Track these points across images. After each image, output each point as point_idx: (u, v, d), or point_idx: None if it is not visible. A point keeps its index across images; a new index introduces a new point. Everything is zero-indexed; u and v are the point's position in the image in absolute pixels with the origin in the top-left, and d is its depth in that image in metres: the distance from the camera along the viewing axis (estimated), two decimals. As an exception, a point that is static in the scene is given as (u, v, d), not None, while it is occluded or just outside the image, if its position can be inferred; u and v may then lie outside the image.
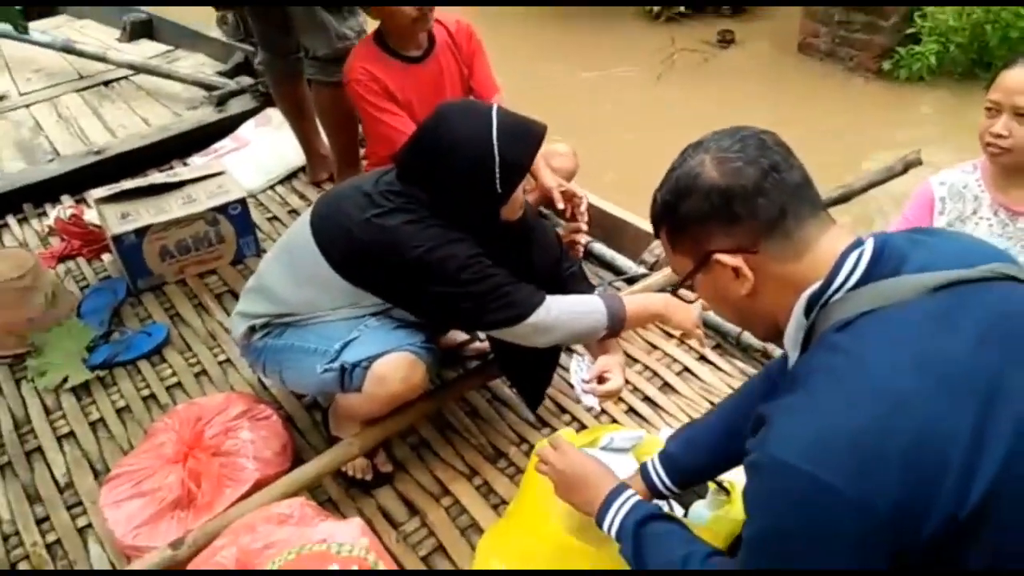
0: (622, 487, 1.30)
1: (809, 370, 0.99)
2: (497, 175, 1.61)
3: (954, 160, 2.10)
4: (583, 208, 2.50)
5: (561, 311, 1.69)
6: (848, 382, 0.94)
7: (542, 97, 4.40)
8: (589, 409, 2.05)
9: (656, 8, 5.44)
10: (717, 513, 1.51)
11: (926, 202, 1.94)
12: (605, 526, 1.28)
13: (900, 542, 0.90)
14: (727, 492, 1.53)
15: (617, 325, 1.74)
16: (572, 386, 1.90)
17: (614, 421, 2.05)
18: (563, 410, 2.10)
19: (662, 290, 2.35)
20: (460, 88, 2.47)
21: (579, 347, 1.91)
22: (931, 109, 4.37)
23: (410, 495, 1.89)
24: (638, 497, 1.28)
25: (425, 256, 1.61)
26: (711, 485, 1.55)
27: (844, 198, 2.70)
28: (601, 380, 1.77)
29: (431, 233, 1.63)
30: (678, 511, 1.57)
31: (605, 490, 1.30)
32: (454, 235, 1.65)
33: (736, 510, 1.49)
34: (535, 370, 1.96)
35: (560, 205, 2.46)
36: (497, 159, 1.59)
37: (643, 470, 1.47)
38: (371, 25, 2.60)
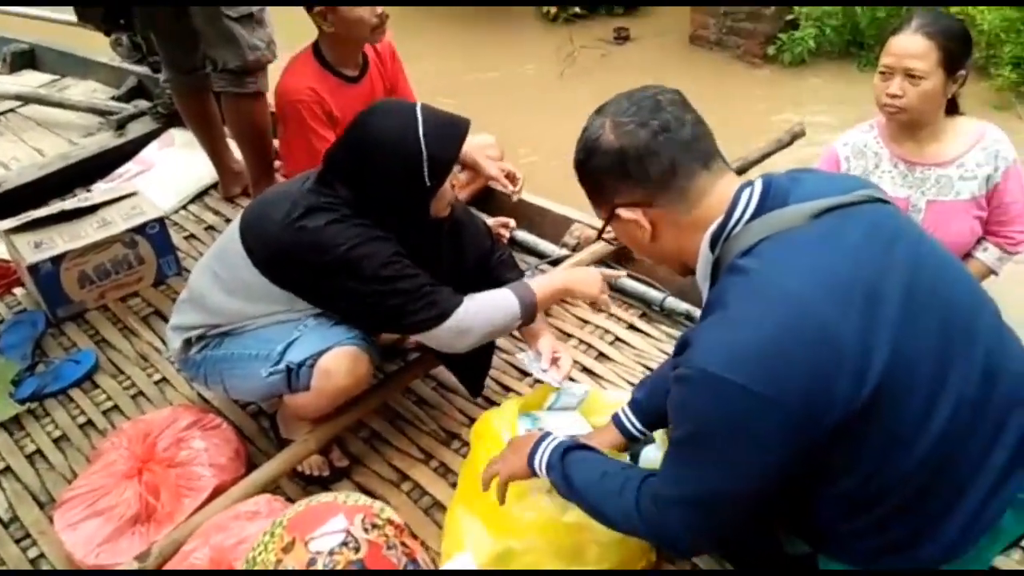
0: (544, 435, 1.42)
1: (720, 293, 1.14)
2: (425, 168, 1.65)
3: (838, 128, 2.30)
4: (520, 185, 2.64)
5: (479, 309, 1.74)
6: (753, 297, 1.10)
7: (450, 98, 4.49)
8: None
9: (553, 10, 5.62)
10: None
11: (833, 163, 2.13)
12: (535, 466, 1.39)
13: (809, 431, 1.06)
14: None
15: (530, 312, 1.80)
16: (524, 372, 1.96)
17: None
18: (507, 389, 2.17)
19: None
20: None
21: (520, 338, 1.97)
22: (814, 87, 4.69)
23: (370, 485, 1.92)
24: (559, 439, 1.41)
25: (347, 254, 1.64)
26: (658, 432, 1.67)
27: (741, 170, 2.88)
28: (554, 362, 1.86)
29: (354, 232, 1.67)
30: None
31: (531, 442, 1.42)
32: (377, 233, 1.69)
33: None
34: (474, 357, 2.02)
35: (509, 188, 2.59)
36: (424, 153, 1.64)
37: (615, 419, 1.61)
38: (278, 35, 2.64)
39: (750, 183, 1.16)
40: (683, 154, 1.15)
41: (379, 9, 2.29)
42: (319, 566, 0.84)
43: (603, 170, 1.19)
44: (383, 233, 1.70)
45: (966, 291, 1.19)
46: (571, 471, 1.35)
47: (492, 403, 2.12)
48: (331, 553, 0.85)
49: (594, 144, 1.18)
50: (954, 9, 4.25)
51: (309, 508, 0.93)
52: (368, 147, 1.68)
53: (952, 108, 2.02)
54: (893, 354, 1.05)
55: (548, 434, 1.43)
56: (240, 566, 1.46)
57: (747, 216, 1.14)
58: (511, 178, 2.62)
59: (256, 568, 0.87)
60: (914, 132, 2.02)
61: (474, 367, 2.04)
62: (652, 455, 1.66)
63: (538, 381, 1.91)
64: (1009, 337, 1.21)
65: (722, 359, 1.06)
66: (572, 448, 1.38)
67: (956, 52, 1.88)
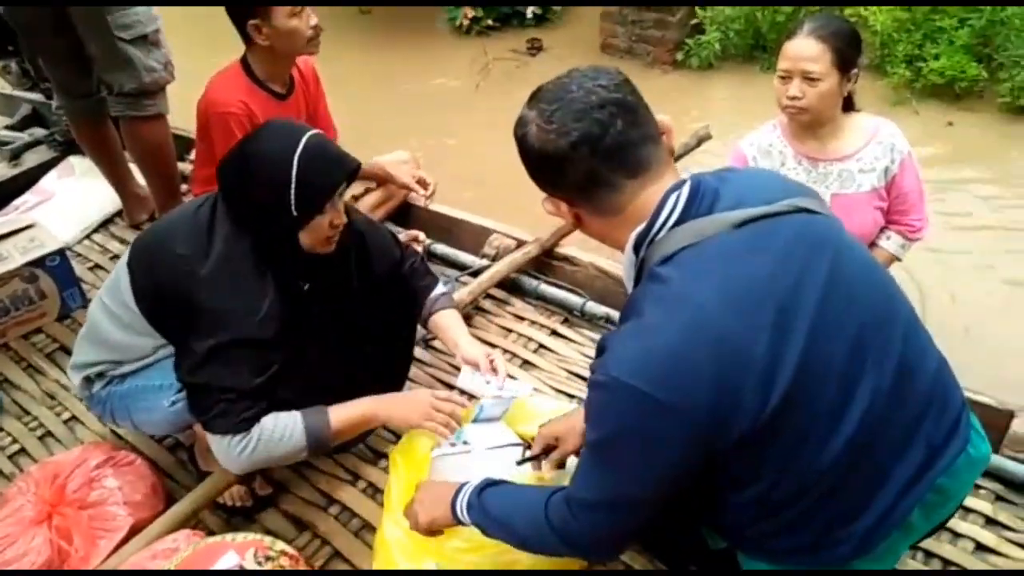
0: (463, 484, 1.43)
1: (638, 299, 1.16)
2: (292, 195, 1.54)
3: (745, 128, 2.38)
4: (432, 191, 2.68)
5: (261, 440, 1.58)
6: (666, 306, 1.11)
7: (365, 113, 4.46)
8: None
9: (466, 21, 5.65)
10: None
11: (741, 162, 2.20)
12: (458, 512, 1.40)
13: (713, 441, 1.09)
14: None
15: (321, 444, 1.65)
16: (473, 396, 1.89)
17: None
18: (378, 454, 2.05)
19: (504, 279, 2.50)
20: None
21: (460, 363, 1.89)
22: (721, 89, 4.84)
23: (296, 511, 1.88)
24: (475, 483, 1.42)
25: (203, 308, 1.56)
26: None
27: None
28: (493, 365, 1.83)
29: (227, 296, 1.57)
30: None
31: (451, 491, 1.43)
32: (254, 307, 1.58)
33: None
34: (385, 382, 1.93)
35: (422, 193, 2.65)
36: (294, 179, 1.54)
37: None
38: (174, 56, 2.57)
39: (679, 186, 1.14)
40: (604, 164, 1.12)
41: (312, 20, 2.25)
42: None
43: (527, 162, 1.20)
44: (265, 300, 1.59)
45: (882, 298, 1.19)
46: (488, 505, 1.36)
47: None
48: None
49: (520, 138, 1.18)
50: (848, 11, 4.47)
51: (197, 551, 0.91)
52: (246, 160, 1.59)
53: (848, 105, 2.12)
54: (801, 367, 1.07)
55: (466, 482, 1.43)
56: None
57: (671, 222, 1.13)
58: (422, 184, 2.65)
59: None
60: (815, 130, 2.11)
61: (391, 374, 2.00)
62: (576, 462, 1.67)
63: (473, 397, 1.88)
64: (925, 339, 1.24)
65: (631, 366, 1.08)
66: (488, 485, 1.40)
67: (848, 53, 1.97)
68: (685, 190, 1.14)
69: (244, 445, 1.57)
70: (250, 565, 0.84)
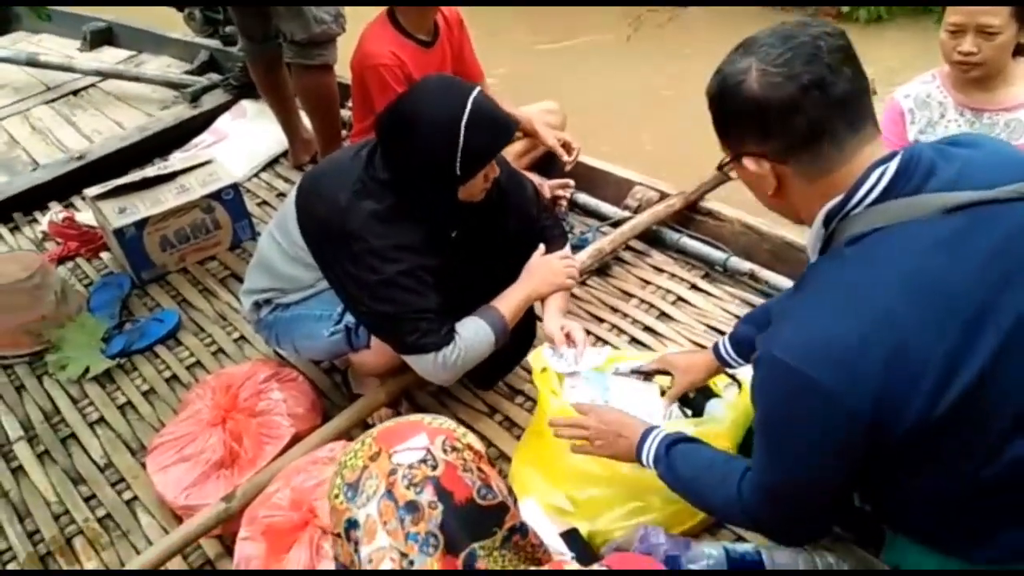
0: (651, 427, 1.46)
1: (816, 276, 1.11)
2: (458, 160, 1.62)
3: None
4: (575, 155, 2.66)
5: (466, 347, 1.72)
6: (844, 294, 1.04)
7: (515, 63, 4.52)
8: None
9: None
10: (732, 409, 1.64)
11: (896, 116, 2.09)
12: (643, 459, 1.44)
13: (877, 435, 1.04)
14: (738, 384, 1.68)
15: (504, 335, 1.79)
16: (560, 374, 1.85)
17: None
18: (515, 390, 2.12)
19: (645, 231, 2.49)
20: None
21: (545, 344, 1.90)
22: (888, 46, 4.56)
23: (437, 437, 1.99)
24: (665, 431, 1.44)
25: (371, 247, 1.65)
26: (723, 380, 1.71)
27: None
28: (570, 339, 1.85)
29: (389, 230, 1.66)
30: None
31: (638, 432, 1.45)
32: (412, 242, 1.68)
33: (746, 403, 1.63)
34: (502, 359, 1.97)
35: (565, 157, 2.61)
36: (461, 145, 1.61)
37: (714, 346, 1.67)
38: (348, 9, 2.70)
39: (887, 159, 1.05)
40: (832, 114, 1.03)
41: None
42: (398, 477, 0.89)
43: (737, 116, 1.08)
44: (420, 243, 1.69)
45: None
46: (677, 463, 1.38)
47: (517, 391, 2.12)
48: (410, 467, 0.90)
49: (733, 88, 1.06)
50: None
51: (397, 424, 0.98)
52: (409, 120, 1.65)
53: (1018, 50, 1.96)
54: (977, 384, 1.00)
55: (653, 428, 1.46)
56: (320, 505, 1.55)
57: (871, 198, 1.04)
58: (567, 147, 2.64)
59: (345, 471, 0.94)
60: (983, 81, 1.96)
61: (495, 367, 2.00)
62: (714, 409, 1.68)
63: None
64: None
65: (798, 349, 1.03)
66: (677, 441, 1.41)
67: None
68: (893, 164, 1.04)
69: (456, 355, 1.71)
70: (436, 451, 0.91)
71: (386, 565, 0.87)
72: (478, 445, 0.97)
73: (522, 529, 0.95)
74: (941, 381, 0.99)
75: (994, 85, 1.97)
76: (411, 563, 0.87)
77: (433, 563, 0.87)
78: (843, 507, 1.28)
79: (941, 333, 0.99)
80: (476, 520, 0.91)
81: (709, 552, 1.51)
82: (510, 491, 0.98)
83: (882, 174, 1.04)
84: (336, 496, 0.94)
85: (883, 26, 4.63)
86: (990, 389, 1.01)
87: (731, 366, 1.66)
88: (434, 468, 0.90)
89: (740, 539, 1.68)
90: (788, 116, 1.03)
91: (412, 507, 0.88)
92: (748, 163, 1.10)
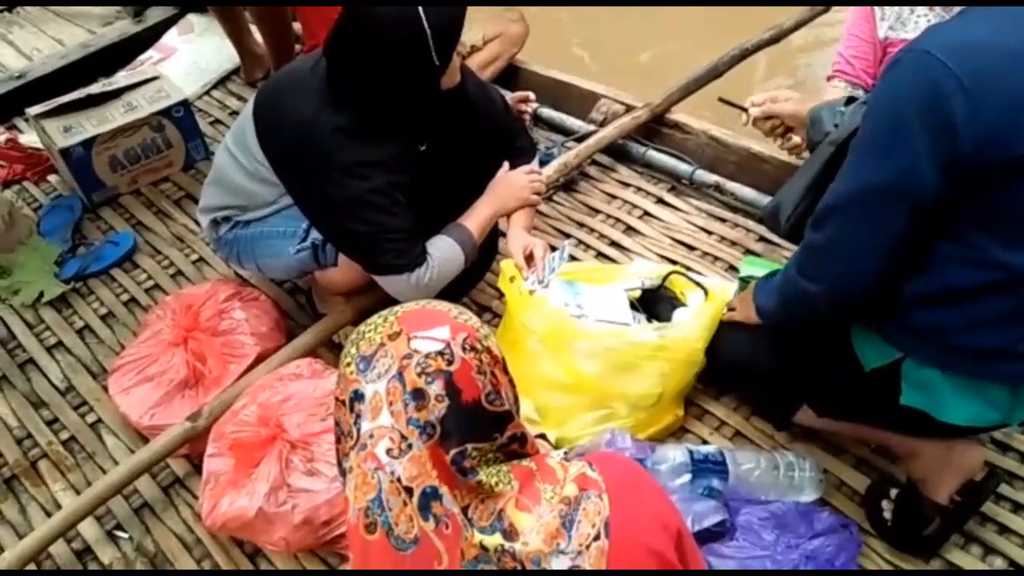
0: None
1: (972, 9, 1.15)
2: (432, 46, 1.55)
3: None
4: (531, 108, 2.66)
5: (439, 267, 1.71)
6: (1002, 18, 1.11)
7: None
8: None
9: None
10: (698, 315, 1.66)
11: (867, 11, 2.04)
12: (760, 310, 1.50)
13: (984, 149, 1.08)
14: (704, 291, 1.73)
15: (473, 252, 1.79)
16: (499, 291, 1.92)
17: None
18: (483, 307, 2.13)
19: (611, 145, 2.46)
20: None
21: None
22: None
23: (405, 353, 1.99)
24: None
25: (342, 164, 1.60)
26: (689, 289, 1.75)
27: (775, 39, 2.78)
28: (531, 259, 1.85)
29: (357, 146, 1.61)
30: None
31: (749, 295, 1.56)
32: (382, 158, 1.63)
33: (712, 310, 1.65)
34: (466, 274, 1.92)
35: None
36: (428, 31, 1.54)
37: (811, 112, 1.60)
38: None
39: None
40: None
41: None
42: (412, 362, 0.89)
43: None
44: (390, 159, 1.64)
45: None
46: (766, 300, 1.46)
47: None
48: (427, 356, 0.90)
49: None
50: None
51: (424, 309, 0.96)
52: (366, 31, 1.56)
53: None
54: None
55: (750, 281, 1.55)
56: (287, 420, 1.55)
57: None
58: (523, 100, 2.64)
59: (362, 343, 0.94)
60: None
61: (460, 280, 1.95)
62: (681, 317, 1.70)
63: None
64: None
65: (941, 45, 1.09)
66: (760, 283, 1.52)
67: None
68: None
69: (429, 273, 1.69)
70: (456, 347, 0.91)
71: (385, 444, 0.88)
72: (497, 350, 0.96)
73: (522, 438, 0.96)
74: None
75: None
76: (409, 446, 0.88)
77: (424, 450, 0.88)
78: (890, 279, 1.25)
79: None
80: (477, 422, 0.91)
81: (674, 455, 1.55)
82: (517, 400, 0.98)
83: None
84: (348, 365, 0.94)
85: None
86: None
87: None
88: (450, 363, 0.90)
89: (704, 442, 1.72)
90: None
91: (419, 394, 0.88)
92: None
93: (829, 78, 2.06)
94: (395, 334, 0.92)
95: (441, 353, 0.90)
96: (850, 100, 1.50)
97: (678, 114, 2.52)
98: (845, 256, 1.22)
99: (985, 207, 1.14)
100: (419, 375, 0.88)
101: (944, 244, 1.19)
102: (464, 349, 0.91)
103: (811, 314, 1.33)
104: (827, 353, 1.41)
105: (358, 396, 0.91)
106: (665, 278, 1.84)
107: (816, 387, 1.52)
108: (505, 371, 0.98)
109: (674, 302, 1.79)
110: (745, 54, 2.55)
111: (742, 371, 1.68)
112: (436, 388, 0.88)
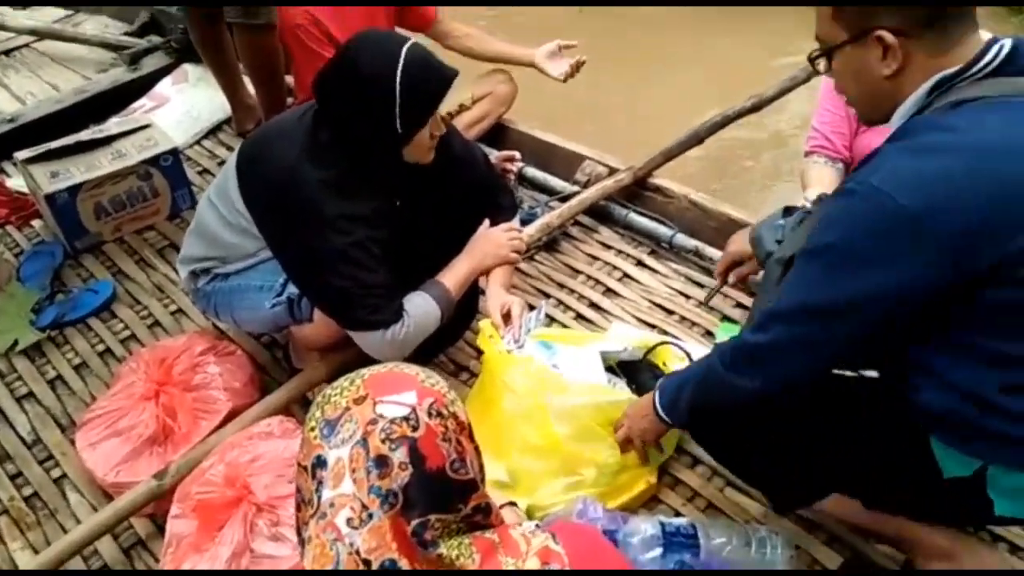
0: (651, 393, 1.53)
1: (914, 125, 1.15)
2: (397, 114, 1.57)
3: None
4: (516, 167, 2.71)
5: (415, 324, 1.71)
6: (945, 134, 1.09)
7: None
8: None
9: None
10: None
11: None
12: (663, 416, 1.49)
13: (959, 264, 1.07)
14: (688, 357, 1.77)
15: (449, 310, 1.79)
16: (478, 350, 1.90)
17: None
18: (460, 366, 2.10)
19: (594, 206, 2.49)
20: (392, 25, 2.52)
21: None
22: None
23: (379, 412, 1.97)
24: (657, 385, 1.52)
25: (321, 217, 1.60)
26: (671, 359, 1.76)
27: (756, 107, 2.84)
28: (508, 317, 1.85)
29: (338, 201, 1.62)
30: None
31: (648, 403, 1.52)
32: (363, 211, 1.64)
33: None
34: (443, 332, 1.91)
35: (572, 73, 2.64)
36: (398, 98, 1.56)
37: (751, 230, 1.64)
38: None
39: (1000, 39, 1.14)
40: None
41: None
42: (377, 428, 0.88)
43: None
44: (370, 213, 1.65)
45: None
46: (680, 394, 1.43)
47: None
48: (392, 421, 0.89)
49: None
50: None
51: (392, 372, 0.96)
52: (345, 78, 1.60)
53: None
54: None
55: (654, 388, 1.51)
56: (254, 481, 1.53)
57: (983, 73, 1.13)
58: (576, 66, 2.65)
59: (327, 406, 0.93)
60: None
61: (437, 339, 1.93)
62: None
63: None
64: None
65: (897, 180, 1.07)
66: (664, 381, 1.50)
67: None
68: (1008, 42, 1.13)
69: (404, 330, 1.69)
70: (422, 413, 0.90)
71: (345, 513, 0.87)
72: (464, 416, 0.96)
73: (486, 509, 0.95)
74: None
75: None
76: (370, 516, 0.87)
77: (385, 520, 0.87)
78: (828, 372, 1.28)
79: None
80: (441, 491, 0.90)
81: (645, 527, 1.53)
82: (482, 469, 0.98)
83: (1000, 49, 1.12)
84: (312, 429, 0.93)
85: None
86: None
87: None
88: (415, 429, 0.89)
89: (677, 514, 1.70)
90: None
91: (382, 461, 0.87)
92: (887, 36, 1.12)
93: (807, 153, 2.10)
94: (361, 398, 0.91)
95: (406, 419, 0.89)
96: (787, 211, 1.53)
97: (660, 178, 2.55)
98: (785, 361, 1.23)
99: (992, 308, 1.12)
100: (383, 441, 0.88)
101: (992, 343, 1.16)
102: (430, 415, 0.91)
103: (736, 406, 1.34)
104: (899, 457, 1.32)
105: (320, 462, 0.90)
106: (650, 351, 1.85)
107: (874, 483, 1.43)
108: (471, 438, 0.97)
109: (655, 371, 1.80)
110: (726, 121, 2.59)
111: (758, 454, 1.52)
112: (400, 455, 0.88)
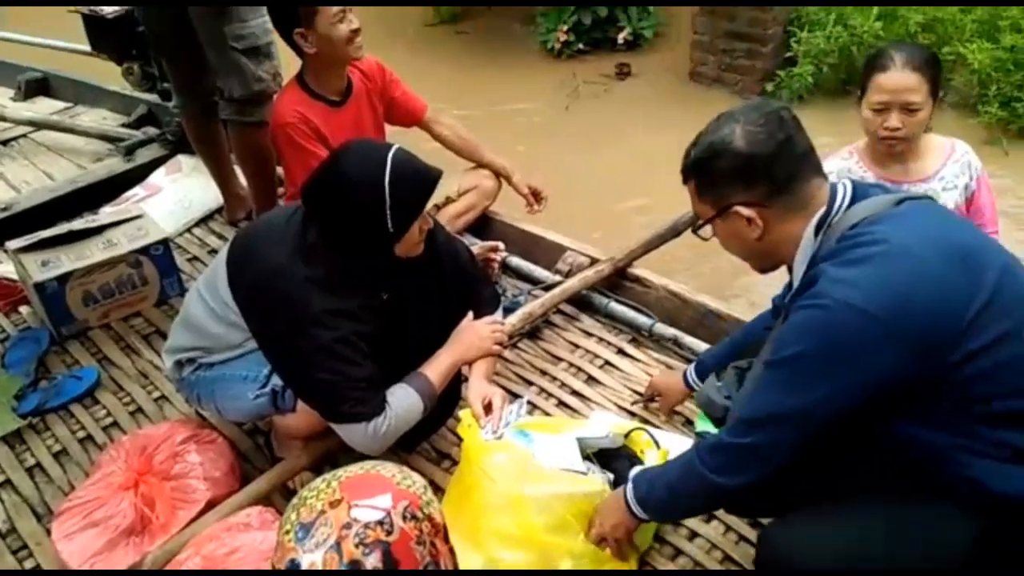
0: (621, 486, 1.58)
1: (837, 251, 1.27)
2: (388, 215, 1.66)
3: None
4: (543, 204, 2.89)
5: (396, 416, 1.74)
6: (877, 247, 1.23)
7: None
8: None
9: (558, 45, 5.75)
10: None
11: None
12: (635, 513, 1.52)
13: (927, 362, 1.19)
14: (657, 445, 1.80)
15: (432, 402, 1.83)
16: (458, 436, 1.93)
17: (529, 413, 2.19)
18: (442, 454, 2.11)
19: (575, 295, 2.54)
20: (377, 132, 2.62)
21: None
22: (810, 123, 4.75)
23: (360, 502, 1.96)
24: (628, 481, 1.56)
25: (308, 314, 1.65)
26: (647, 447, 1.80)
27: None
28: (489, 409, 1.87)
29: (325, 297, 1.67)
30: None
31: (619, 499, 1.55)
32: (349, 308, 1.70)
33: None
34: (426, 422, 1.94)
35: (535, 207, 2.89)
36: (388, 201, 1.64)
37: (683, 374, 1.98)
38: (286, 69, 2.72)
39: (837, 183, 1.36)
40: (800, 163, 1.32)
41: (354, 24, 2.34)
42: (351, 532, 0.89)
43: (728, 171, 1.31)
44: (356, 309, 1.71)
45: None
46: (651, 491, 1.48)
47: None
48: (366, 526, 0.90)
49: (723, 147, 1.31)
50: (945, 49, 4.36)
51: (367, 475, 0.97)
52: (335, 187, 1.68)
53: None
54: (989, 302, 1.20)
55: (623, 484, 1.56)
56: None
57: (845, 204, 1.31)
58: (536, 195, 2.85)
59: (303, 509, 0.94)
60: (902, 154, 2.08)
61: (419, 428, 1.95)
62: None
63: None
64: None
65: (857, 293, 1.19)
66: (637, 476, 1.54)
67: (938, 79, 1.97)
68: (848, 184, 1.35)
69: (387, 424, 1.71)
70: (396, 517, 0.91)
71: None
72: (439, 517, 0.97)
73: None
74: (965, 307, 1.19)
75: (908, 158, 2.10)
76: None
77: None
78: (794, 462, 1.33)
79: (957, 272, 1.21)
80: None
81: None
82: (456, 570, 0.98)
83: (844, 187, 1.34)
84: (287, 532, 0.94)
85: (802, 106, 4.86)
86: (996, 309, 1.21)
87: (694, 390, 1.94)
88: (389, 534, 0.90)
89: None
90: (770, 165, 1.30)
91: (355, 566, 0.88)
92: (742, 210, 1.31)
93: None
94: (336, 501, 0.93)
95: (381, 523, 0.91)
96: (718, 372, 1.76)
97: (639, 268, 2.62)
98: (768, 461, 1.32)
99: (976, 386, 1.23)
100: (356, 546, 0.89)
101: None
102: (404, 518, 0.92)
103: (709, 506, 1.49)
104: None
105: (295, 566, 0.91)
106: (626, 436, 1.87)
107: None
108: (446, 539, 0.98)
109: (632, 459, 1.81)
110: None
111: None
112: (374, 560, 0.88)
